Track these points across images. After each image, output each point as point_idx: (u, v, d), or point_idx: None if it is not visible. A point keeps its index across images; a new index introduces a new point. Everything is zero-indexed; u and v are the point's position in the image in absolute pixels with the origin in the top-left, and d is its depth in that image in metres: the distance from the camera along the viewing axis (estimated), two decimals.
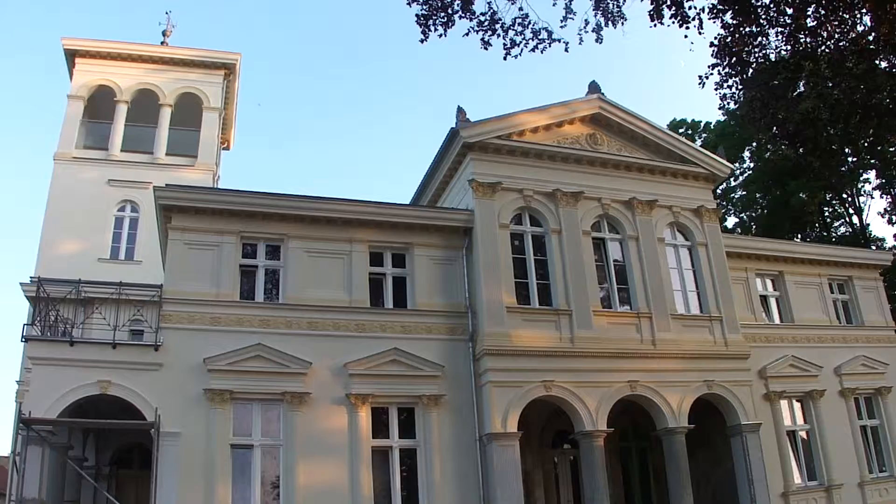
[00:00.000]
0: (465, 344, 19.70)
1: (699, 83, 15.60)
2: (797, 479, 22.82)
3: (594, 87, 22.86)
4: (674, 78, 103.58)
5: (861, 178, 39.43)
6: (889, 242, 42.22)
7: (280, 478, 17.90)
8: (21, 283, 24.20)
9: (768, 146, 36.44)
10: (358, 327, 19.12)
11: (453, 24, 13.49)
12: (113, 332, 17.82)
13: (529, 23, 13.81)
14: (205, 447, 17.29)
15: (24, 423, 16.10)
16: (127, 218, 26.77)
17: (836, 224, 43.36)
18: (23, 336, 18.40)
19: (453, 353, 19.60)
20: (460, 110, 20.85)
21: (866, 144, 28.67)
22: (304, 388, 18.21)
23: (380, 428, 18.82)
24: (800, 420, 23.75)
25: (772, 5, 13.86)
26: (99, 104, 28.78)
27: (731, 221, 43.90)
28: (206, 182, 26.95)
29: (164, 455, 16.91)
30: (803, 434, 23.61)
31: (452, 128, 20.87)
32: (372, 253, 20.13)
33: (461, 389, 19.34)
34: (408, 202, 24.14)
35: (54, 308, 19.41)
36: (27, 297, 23.56)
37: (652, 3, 13.56)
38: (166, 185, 19.66)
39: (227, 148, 34.58)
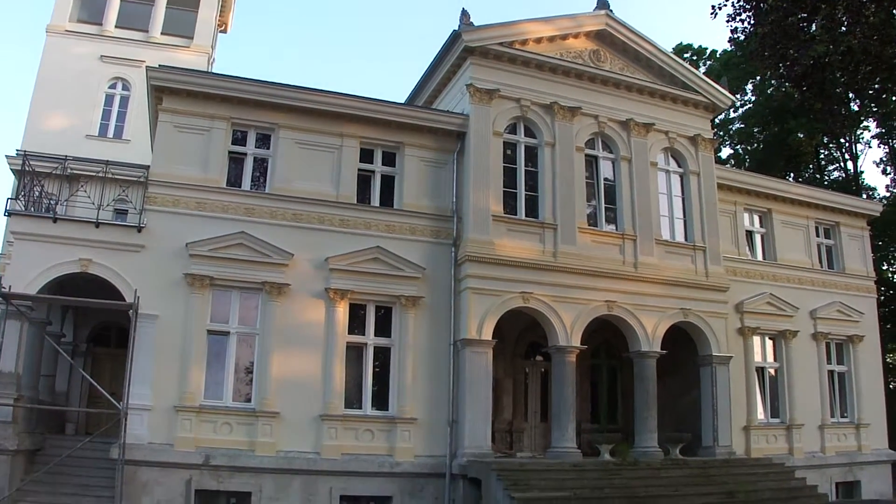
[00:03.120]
0: (448, 248, 19.74)
1: (711, 13, 15.40)
2: (760, 414, 23.27)
3: (603, 3, 22.37)
4: (683, 1, 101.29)
5: (861, 126, 39.21)
6: (880, 192, 42.26)
7: (254, 365, 18.19)
8: (6, 156, 23.94)
9: (772, 82, 36.07)
10: (342, 223, 19.10)
11: None
12: (97, 210, 17.84)
13: None
14: (182, 331, 17.52)
15: (4, 298, 16.10)
16: (117, 96, 26.37)
17: (830, 168, 43.14)
18: (5, 210, 18.23)
19: (435, 256, 19.64)
20: (464, 13, 20.38)
21: (871, 93, 28.27)
22: (284, 280, 18.30)
23: (356, 324, 19.03)
24: (770, 358, 24.06)
25: None
26: None
27: (725, 152, 43.58)
28: (200, 65, 26.48)
29: (141, 336, 17.07)
30: (772, 371, 23.97)
31: (455, 30, 20.41)
32: (362, 149, 19.95)
33: (440, 293, 19.47)
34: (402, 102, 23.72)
35: (39, 183, 19.32)
36: (12, 171, 23.36)
37: None
38: (159, 65, 19.27)
39: (225, 31, 33.93)
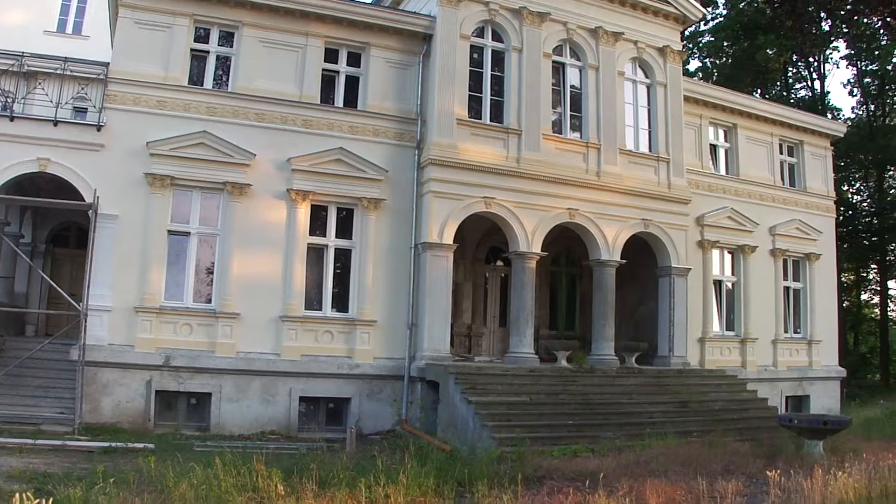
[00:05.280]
0: (412, 151, 19.65)
1: None
2: (716, 327, 23.81)
3: None
4: None
5: (830, 46, 39.20)
6: (845, 114, 42.60)
7: (215, 266, 18.22)
8: None
9: None
10: (305, 123, 18.90)
11: None
12: (55, 109, 17.47)
13: None
14: (142, 231, 17.44)
15: None
16: None
17: (798, 86, 43.30)
18: None
19: (398, 159, 19.56)
20: None
21: (842, 13, 28.18)
22: (246, 180, 18.19)
23: (317, 225, 19.05)
24: (728, 272, 24.49)
25: None
26: None
27: (693, 65, 43.35)
28: None
29: (101, 236, 16.98)
30: (729, 285, 24.45)
31: None
32: (327, 49, 19.61)
33: (402, 196, 19.47)
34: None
35: None
36: None
37: None
38: None
39: None
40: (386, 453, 13.17)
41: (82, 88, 18.86)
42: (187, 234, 18.06)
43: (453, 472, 11.23)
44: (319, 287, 18.96)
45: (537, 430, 15.63)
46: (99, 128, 17.48)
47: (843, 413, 23.45)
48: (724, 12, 42.03)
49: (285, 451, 14.19)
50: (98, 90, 18.21)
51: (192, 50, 18.69)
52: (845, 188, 40.77)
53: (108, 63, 18.07)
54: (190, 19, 18.53)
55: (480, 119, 20.06)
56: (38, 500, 7.41)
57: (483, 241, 22.38)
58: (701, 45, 43.02)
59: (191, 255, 18.04)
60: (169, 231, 17.82)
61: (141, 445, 14.19)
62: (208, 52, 18.92)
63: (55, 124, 17.28)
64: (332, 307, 18.97)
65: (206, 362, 17.45)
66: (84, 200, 17.01)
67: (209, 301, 18.05)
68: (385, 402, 18.76)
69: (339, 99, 19.73)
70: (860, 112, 42.01)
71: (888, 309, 43.26)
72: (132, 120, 17.69)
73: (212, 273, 18.25)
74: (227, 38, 19.11)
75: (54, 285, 17.74)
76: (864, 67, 40.30)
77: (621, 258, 21.03)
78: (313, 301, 18.81)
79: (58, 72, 18.53)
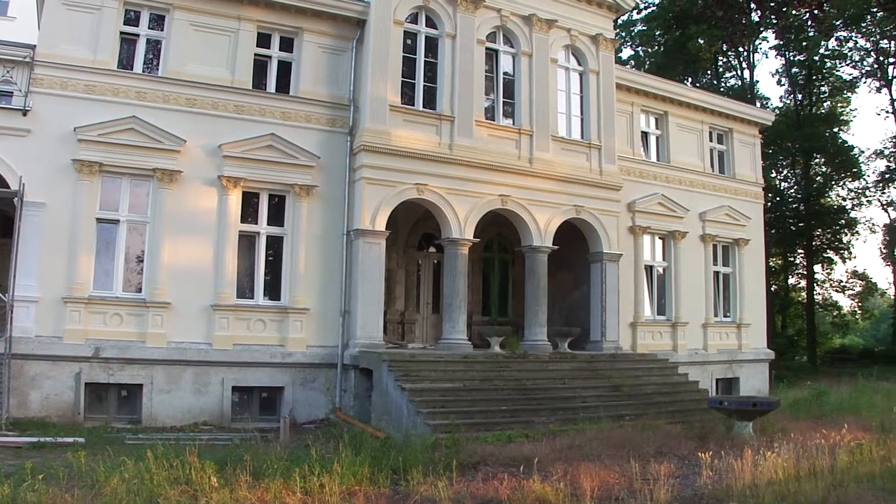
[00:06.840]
0: (344, 137, 19.54)
1: None
2: (647, 312, 24.22)
3: None
4: None
5: (760, 36, 40.01)
6: (774, 103, 43.63)
7: (145, 255, 17.92)
8: None
9: None
10: (237, 109, 18.67)
11: None
12: None
13: None
14: (70, 219, 17.07)
15: None
16: None
17: (728, 76, 44.23)
18: None
19: (331, 145, 19.44)
20: None
21: (772, 4, 28.88)
22: (176, 166, 17.91)
23: (249, 213, 18.89)
24: (659, 257, 24.92)
25: None
26: None
27: (626, 53, 44.06)
28: None
29: (27, 225, 16.56)
30: (660, 270, 24.89)
31: None
32: (259, 34, 19.36)
33: (334, 183, 19.37)
34: None
35: None
36: None
37: None
38: None
39: None
40: (320, 442, 13.22)
41: (7, 71, 18.33)
42: (116, 221, 17.72)
43: (388, 460, 11.25)
44: (251, 275, 18.82)
45: (472, 416, 15.67)
46: (25, 112, 16.98)
47: (772, 394, 24.06)
48: (657, 2, 42.62)
49: (219, 442, 14.07)
50: (24, 73, 17.69)
51: (121, 33, 18.28)
52: (773, 175, 41.84)
53: (35, 45, 17.51)
54: (120, 1, 18.12)
55: (413, 105, 20.01)
56: None
57: (416, 227, 22.43)
58: (633, 33, 43.64)
59: (120, 243, 17.71)
60: (98, 219, 17.46)
61: (71, 440, 13.98)
62: (138, 35, 18.53)
63: None
64: (265, 295, 18.85)
65: (137, 353, 17.17)
66: (9, 188, 16.56)
67: (139, 290, 17.74)
68: (319, 390, 18.71)
69: (272, 84, 19.54)
70: (788, 101, 43.27)
71: (814, 292, 44.51)
72: (60, 104, 17.26)
73: (142, 262, 17.94)
74: (157, 22, 18.73)
75: None
76: (791, 58, 41.33)
77: (553, 244, 21.23)
78: (245, 289, 18.67)
79: None
